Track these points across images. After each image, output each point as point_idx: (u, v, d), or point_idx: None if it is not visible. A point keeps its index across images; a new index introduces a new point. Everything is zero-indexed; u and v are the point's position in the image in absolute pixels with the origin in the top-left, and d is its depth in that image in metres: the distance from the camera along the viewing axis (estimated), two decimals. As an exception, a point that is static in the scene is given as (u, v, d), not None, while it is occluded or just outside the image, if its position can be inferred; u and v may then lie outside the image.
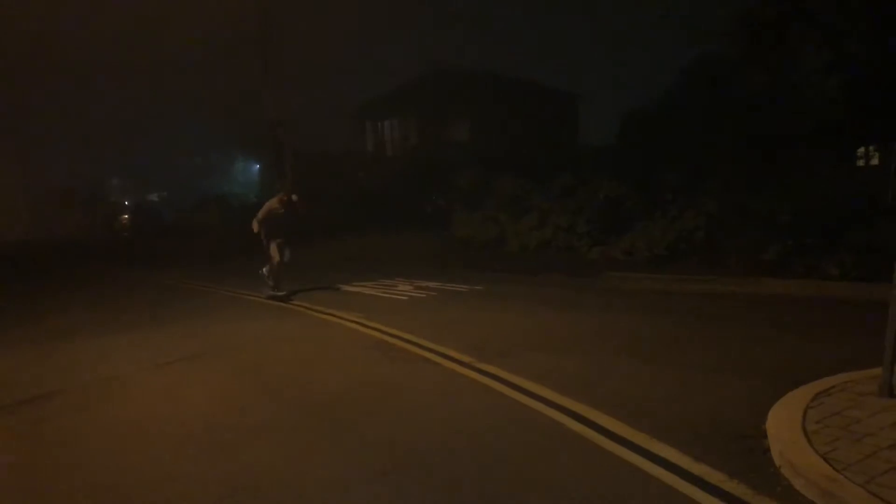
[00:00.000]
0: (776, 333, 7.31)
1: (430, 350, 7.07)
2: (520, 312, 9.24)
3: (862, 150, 14.23)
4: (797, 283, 10.02)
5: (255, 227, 11.05)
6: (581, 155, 22.44)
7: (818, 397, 4.70)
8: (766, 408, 4.64)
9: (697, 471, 3.85)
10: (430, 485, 3.87)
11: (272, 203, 11.15)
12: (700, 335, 7.38)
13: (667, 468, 3.91)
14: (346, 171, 29.84)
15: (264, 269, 11.55)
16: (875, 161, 13.79)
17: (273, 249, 11.15)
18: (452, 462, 4.17)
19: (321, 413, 5.25)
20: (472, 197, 20.09)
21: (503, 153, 23.86)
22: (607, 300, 10.22)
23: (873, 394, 4.66)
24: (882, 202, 11.46)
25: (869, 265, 9.44)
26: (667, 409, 4.90)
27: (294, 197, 11.29)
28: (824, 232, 10.67)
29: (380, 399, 5.49)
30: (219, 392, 5.94)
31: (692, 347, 6.80)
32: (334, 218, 23.40)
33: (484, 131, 28.41)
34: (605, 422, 4.69)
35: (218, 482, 4.06)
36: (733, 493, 3.57)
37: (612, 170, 17.19)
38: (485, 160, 21.93)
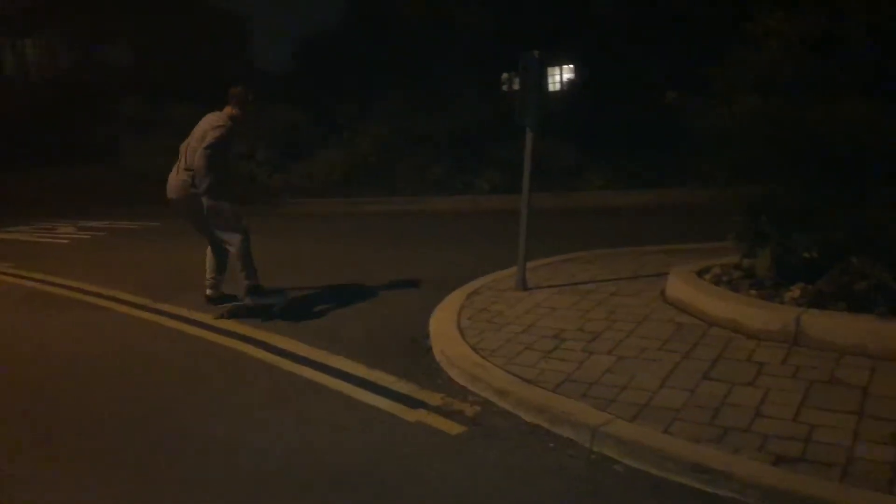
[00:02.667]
0: (439, 245, 8.12)
1: (97, 295, 6.57)
2: (196, 246, 8.92)
3: (506, 76, 15.96)
4: (457, 198, 11.15)
5: (203, 176, 5.34)
6: (258, 82, 21.82)
7: (470, 297, 5.39)
8: (431, 312, 5.19)
9: (371, 377, 4.20)
10: (121, 433, 3.69)
11: (218, 119, 5.54)
12: (375, 252, 7.90)
13: (345, 379, 4.20)
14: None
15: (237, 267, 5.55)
16: (516, 86, 15.62)
17: (234, 216, 5.51)
18: (143, 404, 4.01)
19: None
20: (142, 127, 18.54)
21: (173, 78, 22.21)
22: (287, 225, 10.35)
23: (512, 289, 5.47)
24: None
25: (511, 179, 10.79)
26: (344, 326, 5.22)
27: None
28: (477, 151, 11.91)
29: (34, 359, 5.01)
30: None
31: (369, 264, 7.26)
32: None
33: (149, 54, 26.00)
34: (287, 345, 4.85)
35: None
36: (401, 391, 3.98)
37: (290, 97, 17.10)
38: (153, 86, 20.25)
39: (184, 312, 5.79)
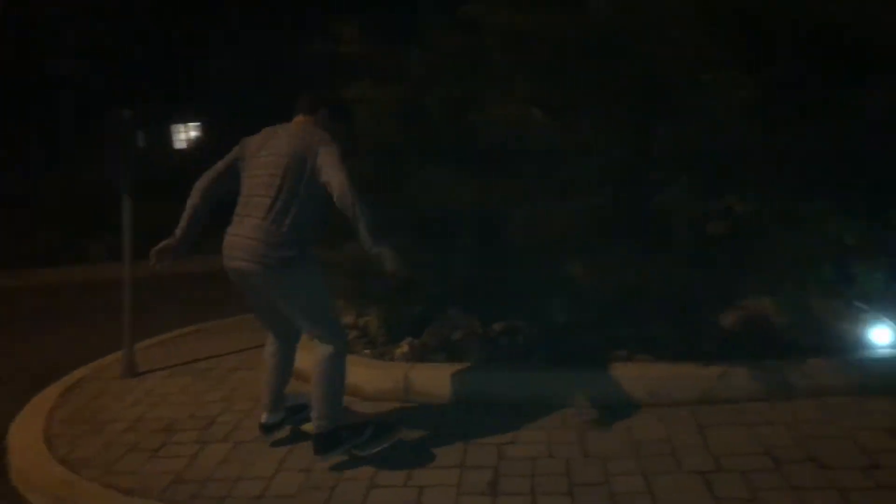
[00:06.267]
0: (41, 327, 7.01)
1: None
2: None
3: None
4: (69, 269, 9.90)
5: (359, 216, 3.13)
6: None
7: (66, 394, 4.63)
8: (14, 418, 4.33)
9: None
10: None
11: (316, 133, 3.32)
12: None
13: None
14: None
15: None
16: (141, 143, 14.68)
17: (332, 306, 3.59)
18: None
19: None
20: None
21: None
22: None
23: (120, 377, 4.85)
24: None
25: (135, 243, 9.93)
26: None
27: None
28: (92, 214, 10.74)
29: None
30: None
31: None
32: None
33: None
34: None
35: None
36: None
37: None
38: None
39: None
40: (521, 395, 3.85)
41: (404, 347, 4.30)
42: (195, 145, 14.40)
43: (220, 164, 3.47)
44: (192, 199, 3.44)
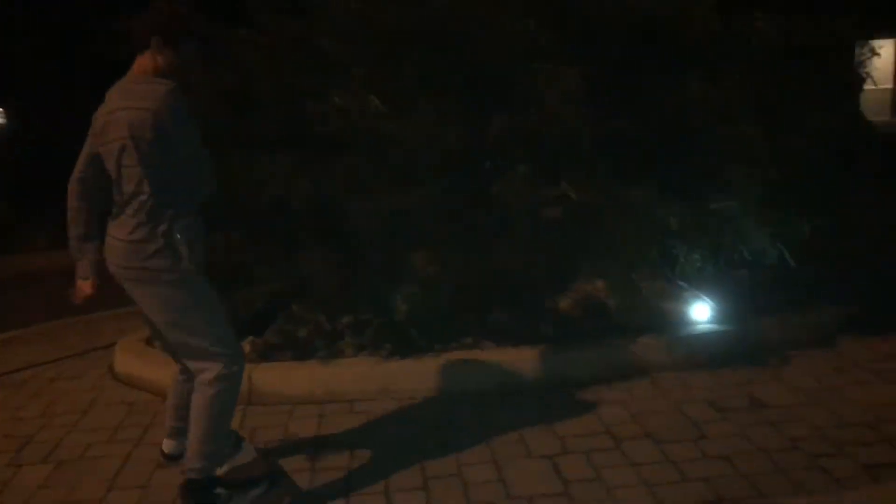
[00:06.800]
0: None
1: None
2: None
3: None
4: None
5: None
6: None
7: None
8: None
9: None
10: None
11: (160, 87, 2.55)
12: None
13: None
14: None
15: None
16: None
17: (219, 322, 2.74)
18: None
19: None
20: None
21: None
22: None
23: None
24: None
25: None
26: None
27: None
28: None
29: None
30: None
31: None
32: None
33: None
34: None
35: None
36: None
37: None
38: None
39: None
40: (371, 389, 3.79)
41: (246, 347, 4.09)
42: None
43: (80, 162, 2.79)
44: (75, 203, 2.81)
